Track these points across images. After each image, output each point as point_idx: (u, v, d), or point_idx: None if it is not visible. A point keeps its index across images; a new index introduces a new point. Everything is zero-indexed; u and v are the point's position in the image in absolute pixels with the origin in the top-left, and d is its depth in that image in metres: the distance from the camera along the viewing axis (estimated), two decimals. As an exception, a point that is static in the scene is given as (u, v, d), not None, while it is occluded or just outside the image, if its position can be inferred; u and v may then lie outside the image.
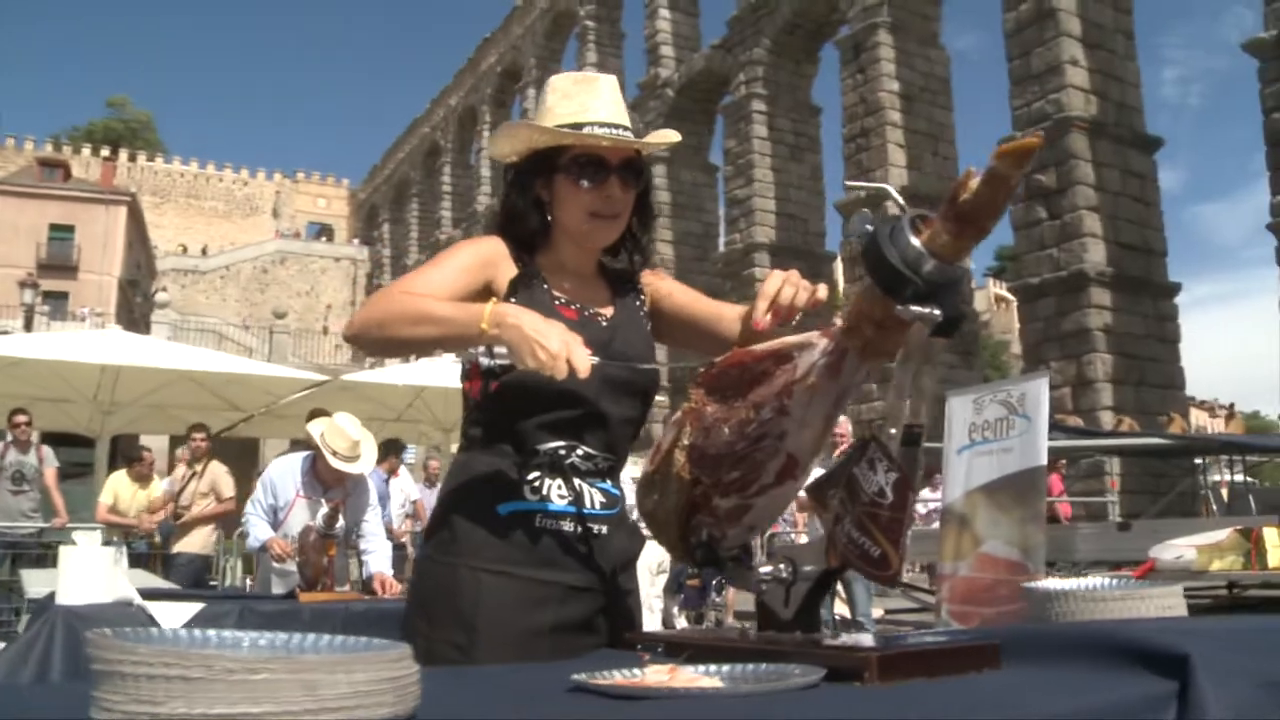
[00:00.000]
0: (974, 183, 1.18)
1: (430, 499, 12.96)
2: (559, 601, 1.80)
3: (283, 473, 5.58)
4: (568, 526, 1.83)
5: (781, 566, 1.42)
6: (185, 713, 0.82)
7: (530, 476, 1.82)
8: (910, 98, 28.07)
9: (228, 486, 9.46)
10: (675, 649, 1.49)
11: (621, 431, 1.91)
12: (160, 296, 38.17)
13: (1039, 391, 5.49)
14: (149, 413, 13.02)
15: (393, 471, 11.18)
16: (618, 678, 1.20)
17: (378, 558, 5.49)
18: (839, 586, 8.83)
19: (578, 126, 1.85)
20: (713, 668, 1.23)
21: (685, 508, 1.63)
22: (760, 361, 1.51)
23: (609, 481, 1.90)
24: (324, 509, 4.67)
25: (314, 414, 8.35)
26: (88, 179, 58.26)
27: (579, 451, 1.85)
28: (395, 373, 13.37)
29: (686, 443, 1.59)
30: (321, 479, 5.49)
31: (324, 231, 73.98)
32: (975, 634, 1.38)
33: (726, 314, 1.96)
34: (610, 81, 1.95)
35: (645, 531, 1.89)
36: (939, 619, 5.27)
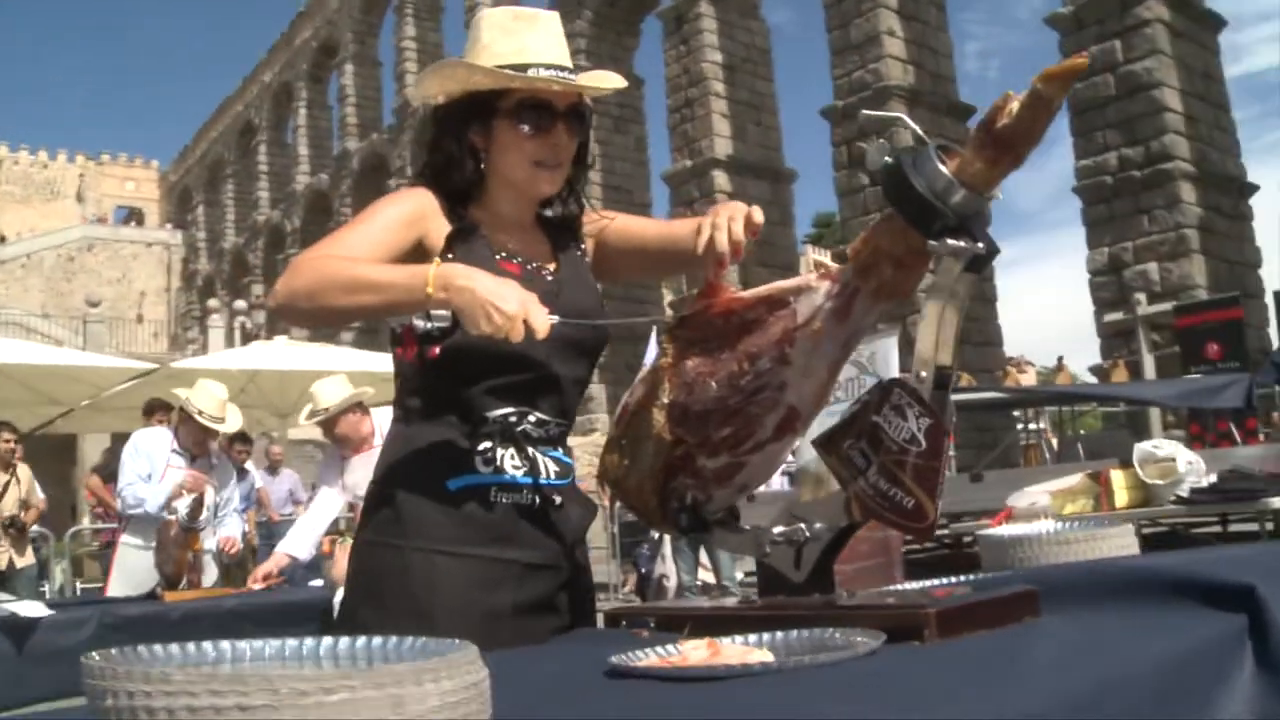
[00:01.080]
0: (1014, 106, 1.11)
1: (273, 486, 12.49)
2: (518, 581, 1.67)
3: (151, 441, 5.35)
4: (524, 499, 1.69)
5: (801, 526, 1.32)
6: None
7: (481, 446, 1.68)
8: (733, 68, 28.41)
9: (38, 489, 8.79)
10: (673, 622, 1.40)
11: (573, 394, 1.78)
12: (-47, 289, 35.79)
13: (889, 350, 5.57)
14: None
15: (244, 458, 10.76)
16: (655, 658, 1.10)
17: (227, 526, 5.36)
18: (702, 551, 8.85)
19: (520, 68, 1.69)
20: (752, 638, 1.14)
21: (662, 471, 1.53)
22: (751, 308, 1.41)
23: (560, 449, 1.77)
24: (186, 501, 4.37)
25: (152, 405, 7.94)
26: None
27: (531, 418, 1.71)
28: (227, 358, 12.83)
29: (666, 400, 1.49)
30: (186, 446, 5.37)
31: (133, 216, 70.30)
32: (1004, 580, 1.32)
33: (678, 230, 1.80)
34: (552, 19, 1.79)
35: (603, 501, 1.78)
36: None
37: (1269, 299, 17.99)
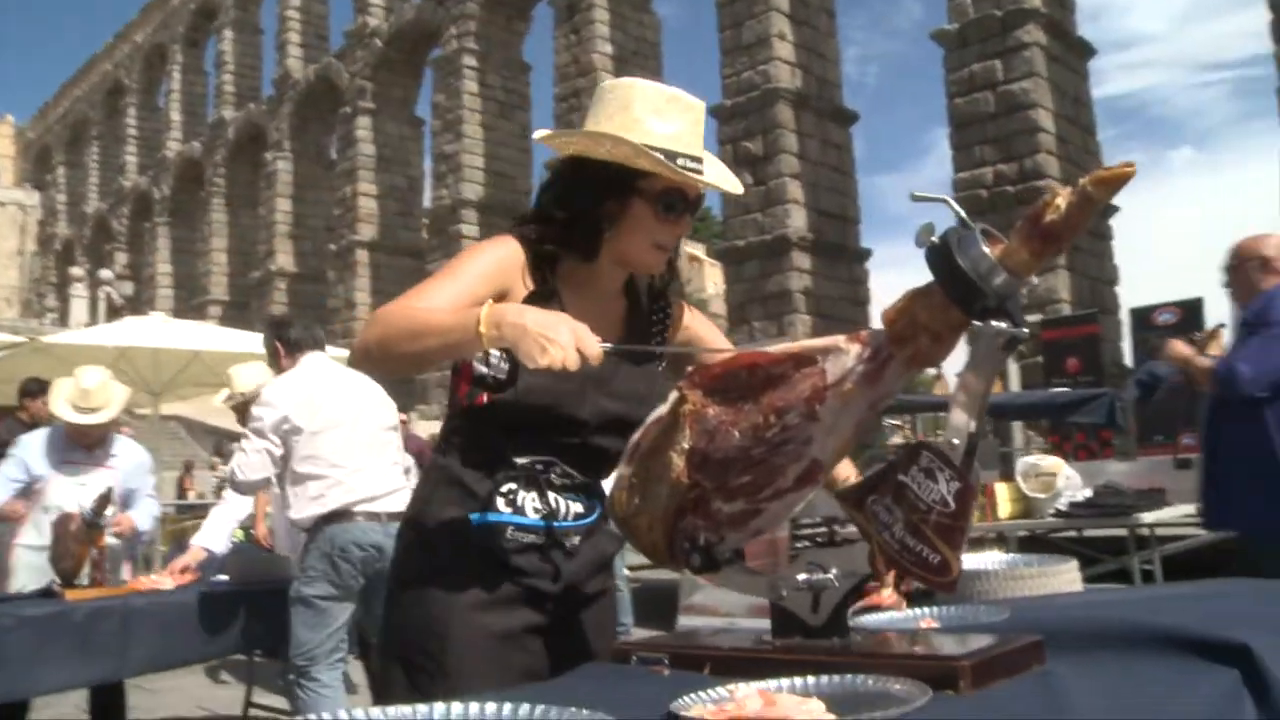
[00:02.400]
0: (1060, 202, 1.22)
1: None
2: (528, 606, 1.80)
3: (33, 444, 5.04)
4: (538, 539, 1.80)
5: (829, 575, 1.41)
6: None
7: (505, 488, 1.79)
8: (623, 60, 28.48)
9: None
10: (687, 660, 1.47)
11: (606, 462, 1.86)
12: None
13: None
14: None
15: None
16: (710, 706, 1.17)
17: (139, 509, 5.16)
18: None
19: (671, 155, 1.74)
20: (798, 684, 1.22)
21: (675, 512, 1.60)
22: (778, 364, 1.49)
23: (585, 494, 1.87)
24: (93, 494, 4.26)
25: (29, 387, 7.61)
26: None
27: (556, 469, 1.82)
28: (99, 333, 12.40)
29: (686, 446, 1.56)
30: (73, 442, 5.07)
31: (-17, 172, 67.14)
32: (1009, 626, 1.43)
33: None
34: (701, 109, 1.85)
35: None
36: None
37: (1123, 315, 18.83)
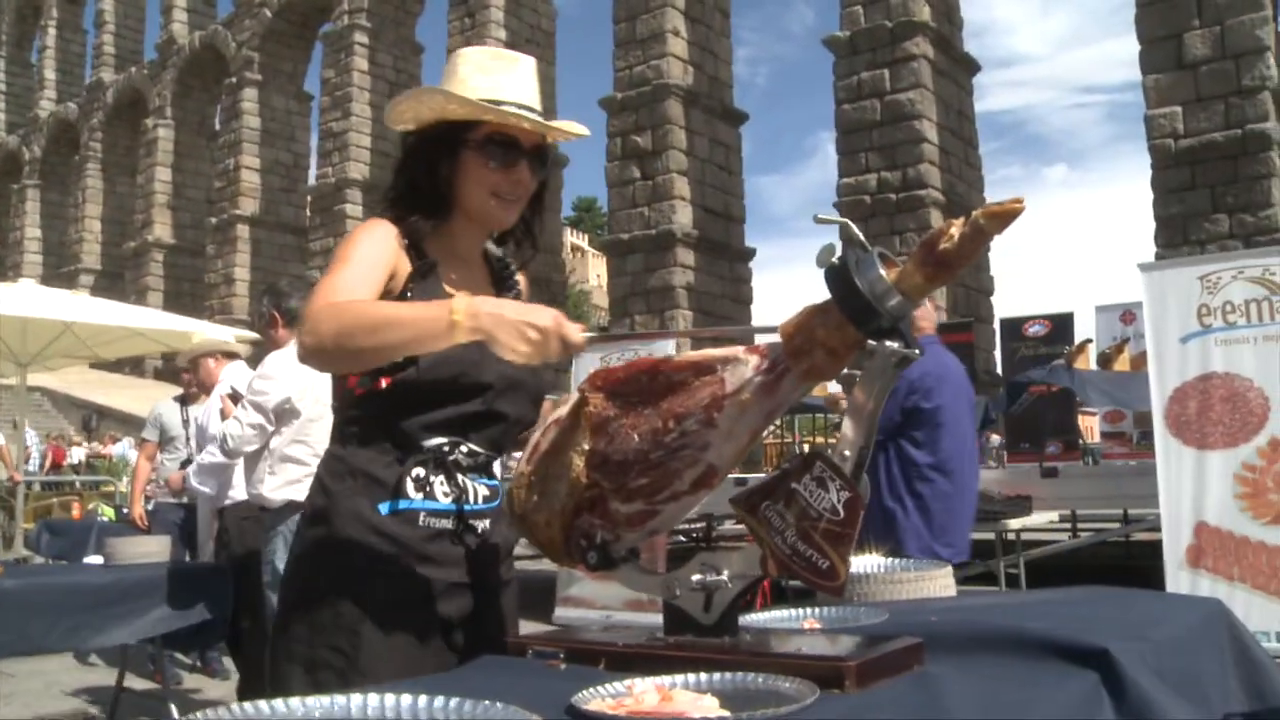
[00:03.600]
0: (955, 232, 1.29)
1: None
2: (443, 598, 1.78)
3: None
4: (450, 524, 1.80)
5: (722, 577, 1.47)
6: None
7: (414, 473, 1.78)
8: (516, 46, 28.23)
9: None
10: (583, 655, 1.51)
11: (511, 432, 1.89)
12: None
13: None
14: None
15: None
16: (609, 701, 1.21)
17: None
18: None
19: (495, 103, 1.78)
20: (692, 679, 1.27)
21: (573, 510, 1.64)
22: (679, 371, 1.54)
23: (488, 475, 1.88)
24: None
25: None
26: None
27: (463, 448, 1.82)
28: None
29: (586, 446, 1.60)
30: None
31: None
32: (889, 628, 1.51)
33: None
34: (529, 62, 1.89)
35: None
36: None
37: (996, 325, 19.43)
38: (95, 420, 27.56)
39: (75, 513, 11.80)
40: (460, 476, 1.81)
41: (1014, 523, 6.51)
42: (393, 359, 1.66)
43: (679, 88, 23.82)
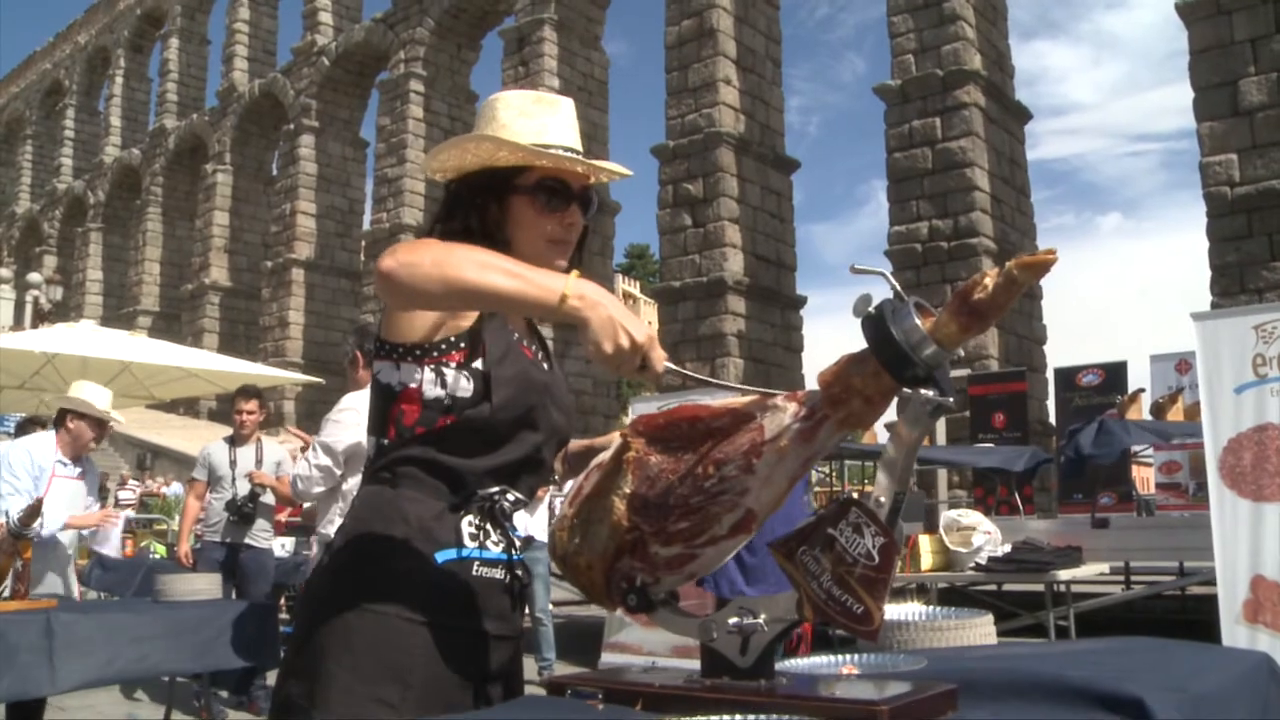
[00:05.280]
0: (989, 282, 1.31)
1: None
2: (487, 651, 1.76)
3: (40, 449, 5.47)
4: (499, 574, 1.78)
5: (758, 620, 1.49)
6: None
7: (470, 521, 1.75)
8: (567, 94, 28.45)
9: None
10: (620, 696, 1.53)
11: (546, 480, 1.91)
12: None
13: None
14: None
15: None
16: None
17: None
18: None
19: (543, 148, 1.77)
20: (724, 721, 1.29)
21: (614, 553, 1.67)
22: (718, 418, 1.57)
23: (515, 524, 1.87)
24: (20, 506, 4.22)
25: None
26: None
27: (510, 496, 1.79)
28: (28, 338, 12.20)
29: (628, 490, 1.63)
30: (68, 453, 5.52)
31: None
32: (926, 674, 1.51)
33: None
34: (569, 105, 1.88)
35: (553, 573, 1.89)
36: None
37: (1050, 374, 19.24)
38: (150, 459, 27.94)
39: (127, 550, 11.97)
40: (505, 525, 1.79)
41: (1063, 574, 6.43)
42: (476, 308, 1.63)
43: (731, 136, 23.95)
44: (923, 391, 1.35)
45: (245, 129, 38.91)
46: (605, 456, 1.71)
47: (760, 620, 1.50)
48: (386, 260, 1.53)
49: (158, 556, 10.34)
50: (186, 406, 35.46)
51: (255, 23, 40.16)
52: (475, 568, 1.75)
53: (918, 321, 1.36)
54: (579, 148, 1.85)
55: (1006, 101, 22.36)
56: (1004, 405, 16.09)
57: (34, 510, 4.20)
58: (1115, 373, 14.83)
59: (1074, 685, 1.40)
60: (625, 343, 1.44)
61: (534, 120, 1.81)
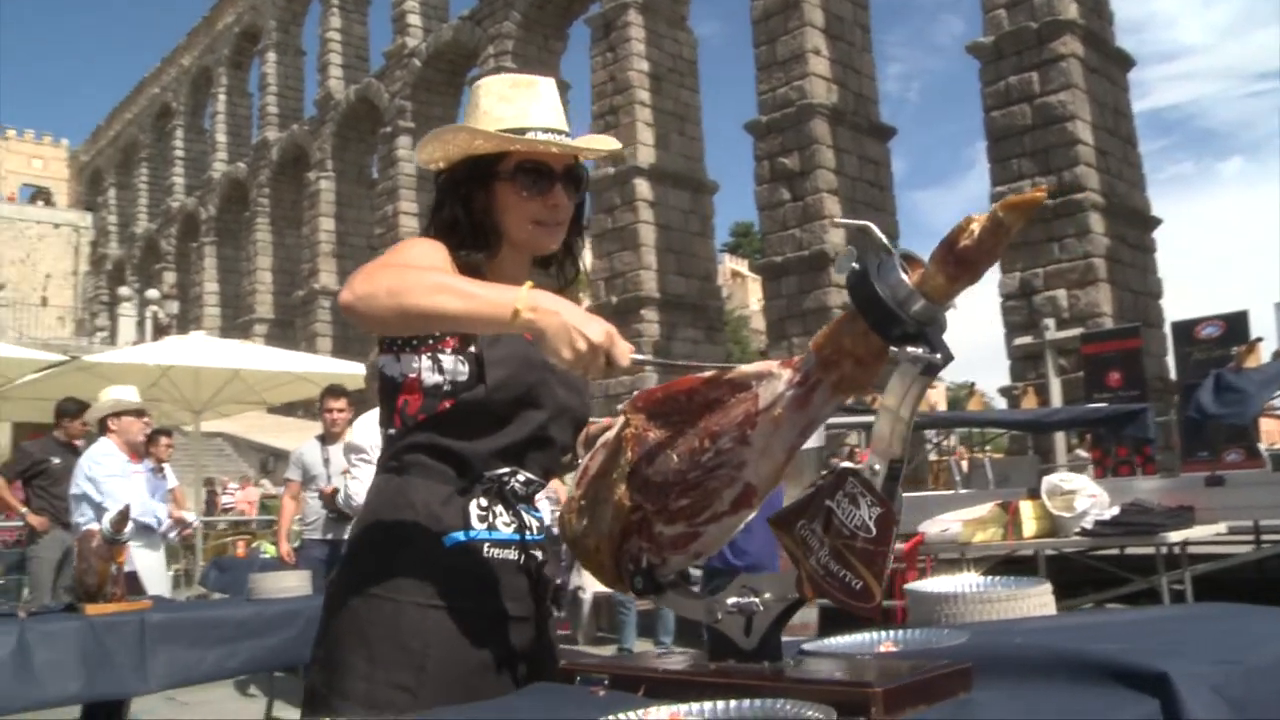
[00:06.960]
0: (975, 228, 1.21)
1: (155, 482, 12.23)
2: (505, 633, 1.74)
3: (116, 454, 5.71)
4: (513, 555, 1.76)
5: (755, 599, 1.41)
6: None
7: (476, 503, 1.74)
8: (659, 78, 28.56)
9: None
10: (626, 681, 1.48)
11: (557, 459, 1.87)
12: None
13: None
14: None
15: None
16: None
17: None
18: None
19: (519, 132, 1.77)
20: (708, 708, 1.22)
21: (619, 534, 1.61)
22: (715, 388, 1.50)
23: (534, 505, 1.85)
24: (113, 512, 4.32)
25: (66, 407, 7.76)
26: None
27: (520, 476, 1.78)
28: (140, 352, 12.62)
29: (628, 468, 1.57)
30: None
31: (41, 195, 68.15)
32: (942, 655, 1.42)
33: None
34: (549, 85, 1.86)
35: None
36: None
37: (1167, 329, 18.59)
38: (273, 463, 28.72)
39: (240, 551, 12.33)
40: (517, 506, 1.78)
41: (1174, 535, 6.15)
42: (437, 329, 1.64)
43: (823, 106, 23.61)
44: (910, 349, 1.26)
45: (344, 135, 39.65)
46: (610, 435, 1.66)
47: (756, 600, 1.42)
48: (344, 294, 1.55)
49: (267, 556, 10.60)
50: (304, 410, 36.38)
51: (347, 30, 40.86)
52: (486, 549, 1.74)
53: (904, 276, 1.27)
54: (562, 127, 1.83)
55: (1107, 49, 21.59)
56: (1119, 363, 15.60)
57: (124, 516, 4.29)
58: (1237, 323, 14.25)
59: (1094, 661, 1.29)
60: (582, 346, 1.43)
61: (513, 105, 1.81)
